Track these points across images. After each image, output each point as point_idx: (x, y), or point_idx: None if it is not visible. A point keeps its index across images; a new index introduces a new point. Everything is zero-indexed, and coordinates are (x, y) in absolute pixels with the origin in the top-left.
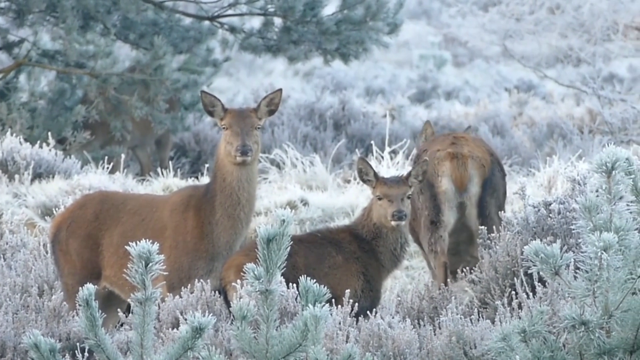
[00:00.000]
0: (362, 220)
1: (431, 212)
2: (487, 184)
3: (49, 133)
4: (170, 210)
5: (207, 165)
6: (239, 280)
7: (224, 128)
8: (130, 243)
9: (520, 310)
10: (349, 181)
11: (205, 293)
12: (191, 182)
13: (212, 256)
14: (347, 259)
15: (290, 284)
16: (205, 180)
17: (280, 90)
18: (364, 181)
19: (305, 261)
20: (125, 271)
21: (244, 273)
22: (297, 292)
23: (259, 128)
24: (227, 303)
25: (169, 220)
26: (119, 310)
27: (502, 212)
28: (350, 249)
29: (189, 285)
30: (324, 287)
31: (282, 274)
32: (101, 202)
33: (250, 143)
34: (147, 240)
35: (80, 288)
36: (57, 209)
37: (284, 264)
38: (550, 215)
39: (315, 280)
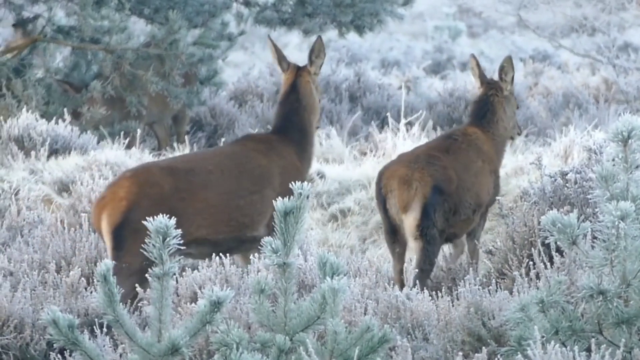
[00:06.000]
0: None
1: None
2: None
3: (65, 109)
4: (265, 155)
5: (223, 140)
6: (400, 189)
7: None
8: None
9: (538, 281)
10: (365, 153)
11: (224, 267)
12: None
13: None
14: (484, 160)
15: (449, 195)
16: None
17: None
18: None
19: (456, 174)
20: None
21: (406, 183)
22: (314, 265)
23: None
24: (385, 211)
25: (270, 164)
26: (136, 285)
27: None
28: (484, 149)
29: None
30: (472, 196)
31: (440, 187)
32: (171, 175)
33: None
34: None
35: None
36: (73, 184)
37: (442, 178)
38: (567, 185)
39: (466, 192)
